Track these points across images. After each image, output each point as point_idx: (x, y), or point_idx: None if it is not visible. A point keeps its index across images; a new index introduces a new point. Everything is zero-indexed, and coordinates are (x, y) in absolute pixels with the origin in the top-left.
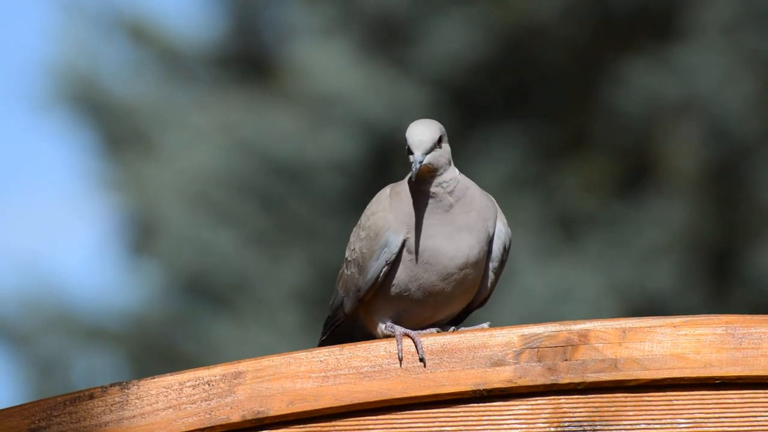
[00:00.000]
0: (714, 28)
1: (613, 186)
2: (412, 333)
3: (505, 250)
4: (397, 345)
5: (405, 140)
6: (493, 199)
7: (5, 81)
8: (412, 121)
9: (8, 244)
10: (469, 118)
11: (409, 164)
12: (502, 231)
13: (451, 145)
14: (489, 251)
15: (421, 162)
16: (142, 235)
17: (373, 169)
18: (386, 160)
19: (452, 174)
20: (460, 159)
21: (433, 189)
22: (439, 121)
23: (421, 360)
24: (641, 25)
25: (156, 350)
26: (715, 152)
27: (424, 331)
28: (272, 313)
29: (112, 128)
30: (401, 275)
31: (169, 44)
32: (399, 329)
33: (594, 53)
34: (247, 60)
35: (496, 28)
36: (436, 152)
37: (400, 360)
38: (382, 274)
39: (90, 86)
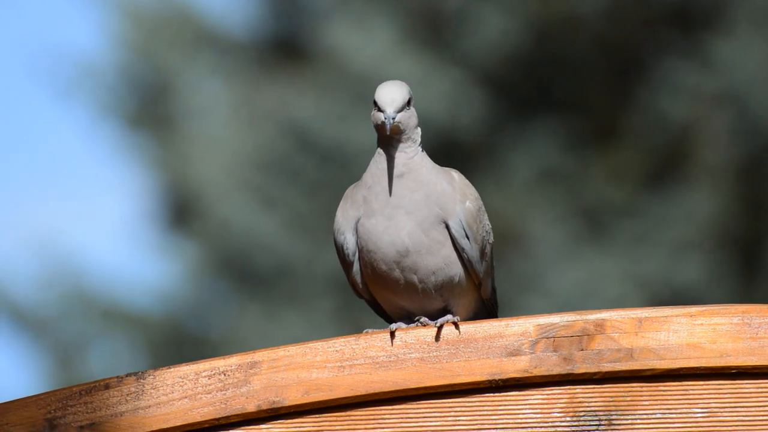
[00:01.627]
0: (749, 22)
1: (642, 179)
2: (393, 326)
3: (470, 238)
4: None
5: (374, 101)
6: (463, 182)
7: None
8: (450, 107)
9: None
10: (505, 109)
11: (377, 125)
12: (460, 216)
13: (486, 134)
14: (453, 239)
15: (393, 118)
16: (175, 216)
17: None
18: (425, 147)
19: (416, 140)
20: (494, 149)
21: (397, 154)
22: (475, 110)
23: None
24: (677, 19)
25: (181, 335)
26: (745, 146)
27: (392, 326)
28: (307, 299)
29: (144, 109)
30: (363, 268)
31: (208, 26)
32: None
33: (628, 46)
34: (286, 42)
35: (533, 18)
36: (406, 113)
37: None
38: (352, 270)
39: (121, 67)
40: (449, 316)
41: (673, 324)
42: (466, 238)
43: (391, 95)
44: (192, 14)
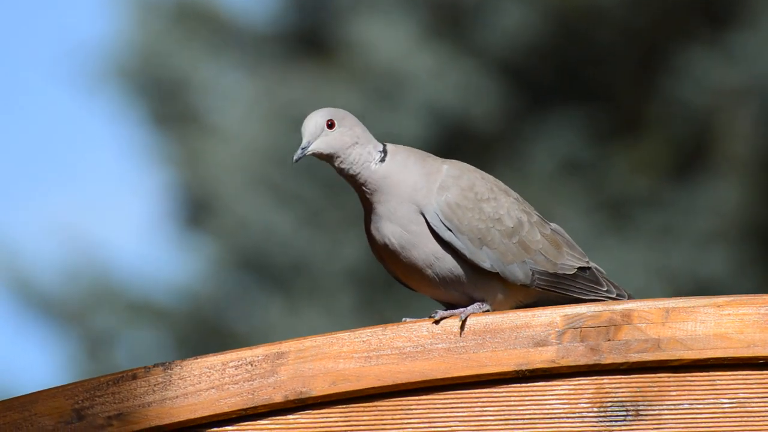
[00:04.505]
0: None
1: (666, 170)
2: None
3: (453, 230)
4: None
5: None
6: (451, 174)
7: (59, 59)
8: (471, 99)
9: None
10: (527, 100)
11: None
12: (436, 210)
13: (507, 126)
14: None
15: (304, 148)
16: (196, 212)
17: (434, 149)
18: (447, 139)
19: (370, 152)
20: (517, 140)
21: (348, 179)
22: (497, 101)
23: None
24: (699, 10)
25: (205, 329)
26: None
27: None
28: (327, 294)
29: (166, 105)
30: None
31: (228, 20)
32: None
33: (651, 37)
34: (307, 37)
35: (555, 10)
36: (327, 137)
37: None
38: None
39: (144, 63)
40: (477, 306)
41: (700, 314)
42: (448, 231)
43: (304, 125)
44: (212, 8)
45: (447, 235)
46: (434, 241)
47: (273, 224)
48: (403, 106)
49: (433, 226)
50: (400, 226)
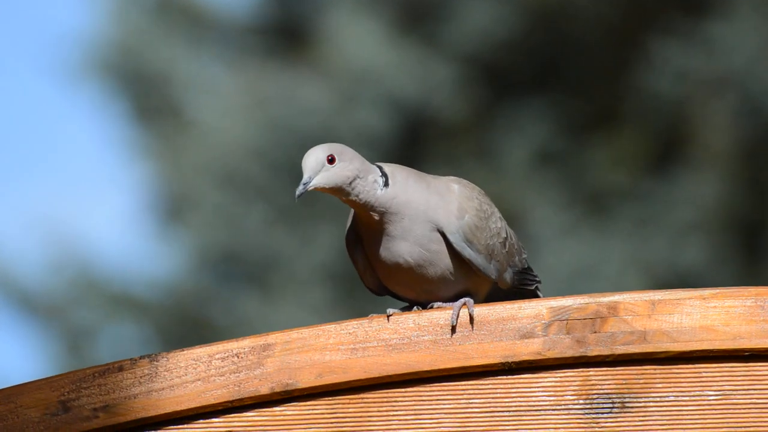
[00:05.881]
0: (749, 4)
1: (643, 162)
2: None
3: (473, 248)
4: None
5: None
6: (463, 194)
7: (40, 51)
8: (443, 97)
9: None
10: (499, 94)
11: None
12: (459, 233)
13: (479, 122)
14: (449, 244)
15: (305, 183)
16: (173, 207)
17: (403, 145)
18: (416, 136)
19: (374, 180)
20: (489, 134)
21: (353, 206)
22: (469, 95)
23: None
24: (674, 0)
25: (185, 322)
26: (747, 128)
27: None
28: (302, 288)
29: (145, 99)
30: (378, 273)
31: (208, 14)
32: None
33: (625, 29)
34: (286, 31)
35: (526, 3)
36: (328, 172)
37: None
38: (364, 276)
39: (123, 56)
40: (466, 299)
41: (686, 306)
42: (468, 249)
43: (304, 161)
44: (192, 2)
45: (467, 253)
46: (450, 257)
47: (244, 220)
48: (374, 101)
49: (456, 247)
50: (420, 246)
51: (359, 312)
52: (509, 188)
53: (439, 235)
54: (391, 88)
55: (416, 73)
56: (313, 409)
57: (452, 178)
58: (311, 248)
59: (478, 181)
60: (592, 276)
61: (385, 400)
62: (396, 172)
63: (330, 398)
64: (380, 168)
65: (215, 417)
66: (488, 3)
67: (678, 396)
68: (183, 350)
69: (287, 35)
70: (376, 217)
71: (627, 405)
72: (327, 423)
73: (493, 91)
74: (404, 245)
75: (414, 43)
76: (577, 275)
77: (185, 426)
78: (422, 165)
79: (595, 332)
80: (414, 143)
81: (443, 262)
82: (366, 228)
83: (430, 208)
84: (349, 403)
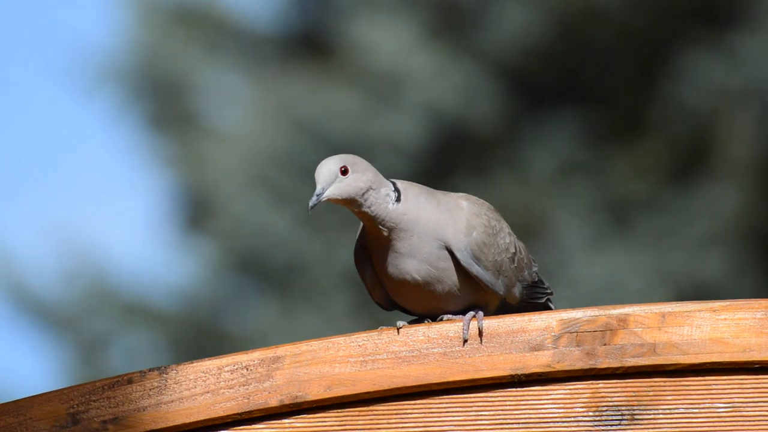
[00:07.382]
0: None
1: (666, 173)
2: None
3: (481, 265)
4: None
5: None
6: (472, 210)
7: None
8: (472, 103)
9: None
10: (527, 103)
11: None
12: (461, 242)
13: (507, 128)
14: (457, 261)
15: (318, 195)
16: (194, 214)
17: (433, 151)
18: (446, 142)
19: (386, 193)
20: (516, 142)
21: (363, 218)
22: (497, 102)
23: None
24: (700, 12)
25: (202, 332)
26: None
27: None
28: (324, 295)
29: (165, 106)
30: (386, 287)
31: (228, 22)
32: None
33: (652, 39)
34: (307, 38)
35: (555, 12)
36: (341, 183)
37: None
38: (373, 290)
39: (142, 63)
40: (476, 312)
41: (696, 319)
42: (476, 266)
43: (318, 172)
44: (212, 9)
45: (475, 270)
46: (457, 274)
47: (270, 226)
48: (403, 107)
49: (464, 264)
50: (428, 264)
51: (379, 322)
52: (535, 199)
53: (447, 253)
54: (417, 94)
55: (443, 81)
56: (322, 422)
57: (462, 194)
58: (333, 256)
59: (503, 190)
60: (614, 288)
61: (395, 412)
62: (409, 189)
63: (339, 411)
64: (394, 183)
65: (224, 429)
66: (517, 11)
67: (688, 408)
68: (192, 362)
69: (310, 41)
70: (385, 233)
71: (636, 417)
72: None
73: (522, 100)
74: (412, 263)
75: (441, 51)
76: (599, 288)
77: None
78: (449, 173)
79: (604, 344)
80: (444, 149)
81: (451, 279)
82: (375, 244)
83: (439, 226)
84: (358, 416)
